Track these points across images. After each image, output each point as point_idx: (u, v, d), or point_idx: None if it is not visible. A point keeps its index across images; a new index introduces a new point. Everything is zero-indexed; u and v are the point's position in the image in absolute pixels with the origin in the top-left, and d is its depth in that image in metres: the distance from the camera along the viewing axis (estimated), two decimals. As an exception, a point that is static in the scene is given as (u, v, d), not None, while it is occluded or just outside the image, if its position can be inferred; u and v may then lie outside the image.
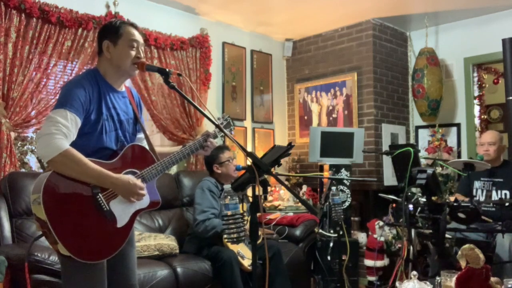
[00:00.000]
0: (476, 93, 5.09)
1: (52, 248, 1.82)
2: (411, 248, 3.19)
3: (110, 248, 1.87)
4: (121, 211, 1.89)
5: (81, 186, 1.80)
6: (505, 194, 3.60)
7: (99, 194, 1.83)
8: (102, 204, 1.83)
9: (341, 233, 3.37)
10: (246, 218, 2.90)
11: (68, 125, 1.77)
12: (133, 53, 1.97)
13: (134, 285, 2.08)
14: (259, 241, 2.88)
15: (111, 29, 1.98)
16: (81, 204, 1.80)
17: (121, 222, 1.90)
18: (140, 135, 2.16)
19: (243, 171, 2.02)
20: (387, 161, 4.80)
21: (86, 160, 1.78)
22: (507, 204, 3.14)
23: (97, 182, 1.81)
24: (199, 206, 3.35)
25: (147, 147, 2.10)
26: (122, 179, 1.85)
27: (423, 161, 4.44)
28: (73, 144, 1.80)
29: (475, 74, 5.08)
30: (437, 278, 2.12)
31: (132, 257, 2.09)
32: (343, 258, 3.57)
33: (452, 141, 5.01)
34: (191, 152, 2.11)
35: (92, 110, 1.89)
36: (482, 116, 5.38)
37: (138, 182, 1.90)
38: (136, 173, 1.96)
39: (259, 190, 1.73)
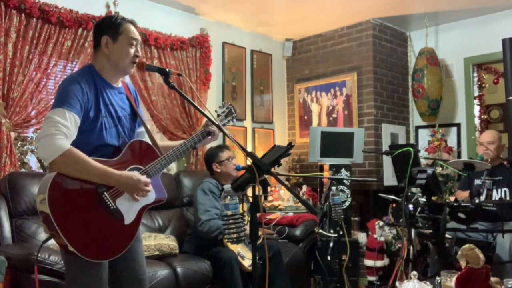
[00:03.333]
0: (476, 93, 5.09)
1: (59, 248, 1.81)
2: (411, 248, 3.19)
3: (119, 246, 1.87)
4: (127, 208, 1.89)
5: (87, 185, 1.79)
6: (505, 191, 3.60)
7: (105, 192, 1.82)
8: (108, 202, 1.83)
9: (341, 233, 3.37)
10: (246, 218, 2.91)
11: (68, 124, 1.76)
12: (132, 51, 1.96)
13: (144, 280, 2.07)
14: (259, 241, 2.88)
15: (112, 25, 1.96)
16: (87, 203, 1.80)
17: (128, 219, 1.90)
18: (141, 129, 2.15)
19: (243, 171, 2.02)
20: (387, 161, 4.80)
21: (88, 159, 1.77)
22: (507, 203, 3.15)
23: (101, 180, 1.80)
24: (202, 206, 3.34)
25: (148, 141, 2.09)
26: (125, 176, 1.84)
27: (423, 161, 4.44)
28: (73, 142, 1.79)
29: (475, 74, 5.09)
30: (437, 278, 2.12)
31: (140, 252, 2.09)
32: (343, 258, 3.57)
33: (452, 141, 5.01)
34: (194, 143, 2.09)
35: (90, 107, 1.87)
36: (482, 116, 5.38)
37: (143, 177, 1.89)
38: (141, 169, 1.95)
39: (259, 190, 1.73)
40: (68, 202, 1.76)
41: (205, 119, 2.11)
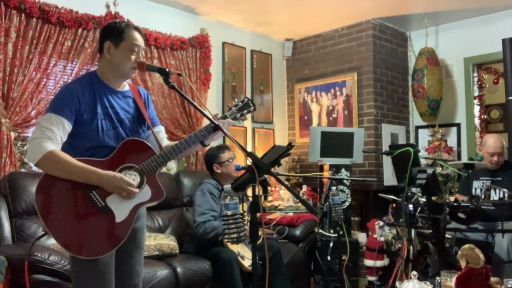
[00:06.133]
0: (476, 93, 5.09)
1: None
2: (411, 248, 3.19)
3: (110, 243, 1.89)
4: (118, 206, 1.90)
5: (76, 184, 1.85)
6: (503, 192, 3.60)
7: (93, 191, 1.86)
8: (97, 200, 1.87)
9: (341, 233, 3.37)
10: (246, 218, 2.91)
11: (53, 128, 1.83)
12: (133, 57, 1.98)
13: (137, 285, 2.10)
14: (259, 241, 2.88)
15: (115, 31, 1.98)
16: (75, 202, 1.85)
17: (120, 217, 1.91)
18: (150, 132, 2.15)
19: (243, 171, 2.02)
20: (387, 161, 4.80)
21: (70, 159, 1.83)
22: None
23: (84, 179, 1.85)
24: (199, 208, 3.34)
25: (156, 144, 2.08)
26: (107, 175, 1.86)
27: (423, 161, 4.44)
28: (68, 144, 1.88)
29: (475, 74, 5.08)
30: (437, 278, 2.12)
31: (138, 258, 2.11)
32: (343, 258, 3.57)
33: (452, 141, 5.01)
34: (198, 139, 2.02)
35: (83, 110, 1.91)
36: (482, 116, 5.38)
37: (126, 177, 1.88)
38: (134, 168, 1.95)
39: (259, 190, 1.73)
40: (55, 201, 1.83)
41: (205, 120, 2.11)
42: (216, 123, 1.92)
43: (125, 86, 2.09)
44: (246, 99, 2.19)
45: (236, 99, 2.21)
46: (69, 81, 3.55)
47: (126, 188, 1.88)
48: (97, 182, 1.85)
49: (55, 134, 1.84)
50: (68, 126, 1.88)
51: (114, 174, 1.87)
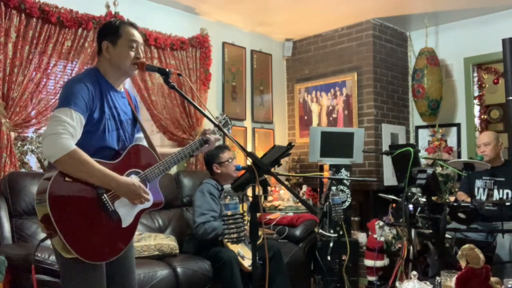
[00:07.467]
0: (476, 93, 5.09)
1: (55, 250, 1.81)
2: (411, 248, 3.19)
3: (115, 248, 1.87)
4: (125, 211, 1.89)
5: (86, 186, 1.79)
6: (507, 193, 3.60)
7: (104, 194, 1.83)
8: (107, 204, 1.83)
9: (341, 233, 3.37)
10: (246, 218, 2.91)
11: (74, 124, 1.75)
12: (133, 53, 1.96)
13: (132, 286, 2.08)
14: (259, 241, 2.88)
15: (110, 29, 1.97)
16: (86, 204, 1.80)
17: (125, 222, 1.90)
18: (140, 135, 2.16)
19: (243, 171, 2.02)
20: (387, 161, 4.80)
21: (92, 160, 1.77)
22: (508, 203, 3.15)
23: (101, 183, 1.80)
24: (199, 208, 3.34)
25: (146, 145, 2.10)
26: (126, 181, 1.84)
27: (423, 161, 4.44)
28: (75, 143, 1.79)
29: (475, 74, 5.09)
30: (437, 278, 2.12)
31: (130, 257, 2.09)
32: (343, 258, 3.57)
33: (452, 141, 5.01)
34: (192, 151, 2.11)
35: (95, 109, 1.87)
36: (482, 116, 5.38)
37: (142, 185, 1.89)
38: (139, 173, 1.96)
39: (259, 190, 1.73)
40: (67, 203, 1.76)
41: (204, 120, 2.12)
42: (216, 123, 1.93)
43: (122, 87, 2.08)
44: (226, 117, 2.30)
45: (218, 116, 2.29)
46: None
47: (143, 196, 1.88)
48: (115, 187, 1.83)
49: (76, 130, 1.75)
50: (84, 124, 1.82)
51: (132, 182, 1.85)
